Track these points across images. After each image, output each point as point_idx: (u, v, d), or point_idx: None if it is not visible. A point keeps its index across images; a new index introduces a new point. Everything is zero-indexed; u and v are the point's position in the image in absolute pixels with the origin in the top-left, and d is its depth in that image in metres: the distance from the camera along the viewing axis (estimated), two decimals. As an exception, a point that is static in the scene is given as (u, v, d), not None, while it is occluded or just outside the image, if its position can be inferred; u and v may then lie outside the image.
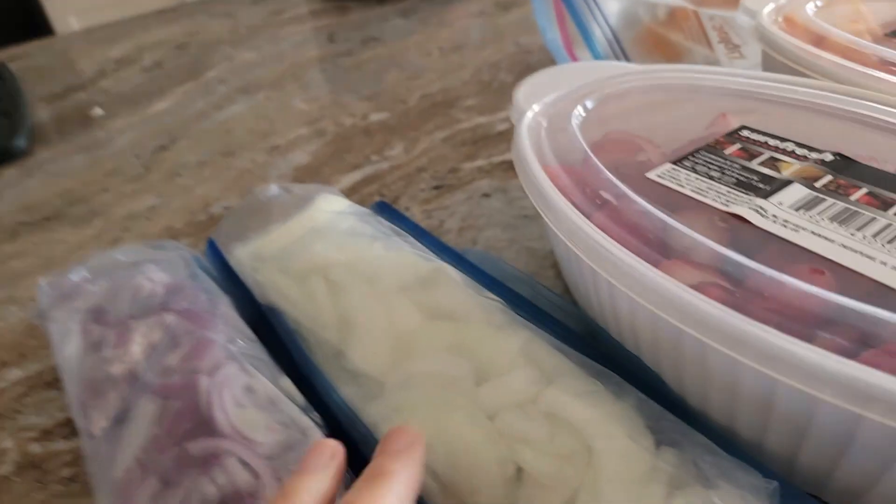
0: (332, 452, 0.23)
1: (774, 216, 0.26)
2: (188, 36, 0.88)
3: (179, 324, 0.30)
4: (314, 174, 0.54)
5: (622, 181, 0.28)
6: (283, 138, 0.60)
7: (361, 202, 0.42)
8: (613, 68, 0.40)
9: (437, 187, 0.51)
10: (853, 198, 0.26)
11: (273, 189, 0.41)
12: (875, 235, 0.24)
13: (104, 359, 0.29)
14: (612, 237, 0.25)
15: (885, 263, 0.23)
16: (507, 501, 0.24)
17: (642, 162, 0.32)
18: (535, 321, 0.31)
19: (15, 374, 0.37)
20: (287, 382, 0.28)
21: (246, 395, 0.26)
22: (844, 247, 0.24)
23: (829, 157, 0.29)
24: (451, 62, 0.73)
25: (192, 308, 0.31)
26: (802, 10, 0.43)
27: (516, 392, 0.27)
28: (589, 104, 0.36)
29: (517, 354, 0.28)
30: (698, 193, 0.28)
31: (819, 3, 0.45)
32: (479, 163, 0.53)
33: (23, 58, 0.84)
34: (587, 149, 0.31)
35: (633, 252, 0.25)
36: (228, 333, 0.30)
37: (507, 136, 0.57)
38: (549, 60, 0.64)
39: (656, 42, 0.60)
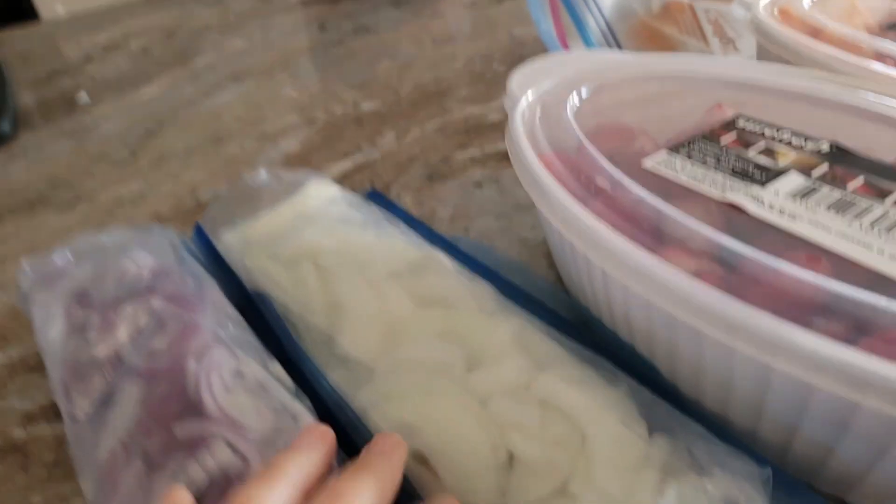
0: (322, 435, 0.23)
1: (771, 205, 0.26)
2: (176, 22, 0.87)
3: (166, 307, 0.29)
4: (304, 162, 0.54)
5: (617, 169, 0.28)
6: (272, 126, 0.60)
7: (352, 190, 0.41)
8: (608, 57, 0.40)
9: (428, 176, 0.50)
10: (850, 187, 0.26)
11: (262, 175, 0.41)
12: (872, 224, 0.24)
13: (88, 342, 0.28)
14: (606, 225, 0.25)
15: (882, 252, 0.23)
16: (499, 487, 0.24)
17: (637, 150, 0.31)
18: (527, 309, 0.30)
19: (-3, 358, 0.36)
20: (277, 367, 0.28)
21: (235, 379, 0.26)
22: (841, 235, 0.24)
23: (825, 147, 0.29)
24: (443, 53, 0.72)
25: (178, 292, 0.30)
26: (798, 2, 0.43)
27: (508, 378, 0.26)
28: (584, 93, 0.36)
29: (509, 341, 0.28)
30: (694, 181, 0.28)
31: (814, -3, 0.45)
32: (472, 153, 0.53)
33: (7, 43, 0.82)
34: (582, 136, 0.31)
35: (627, 240, 0.24)
36: (216, 317, 0.29)
37: (500, 126, 0.56)
38: (542, 52, 0.64)
39: (650, 35, 0.60)
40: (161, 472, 0.23)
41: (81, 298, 0.30)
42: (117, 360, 0.27)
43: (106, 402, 0.26)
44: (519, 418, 0.25)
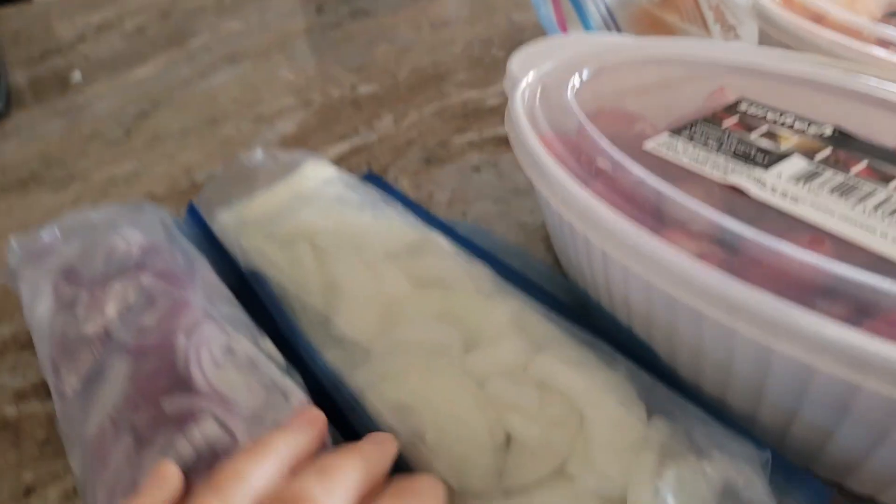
0: (313, 418, 0.23)
1: (773, 187, 0.25)
2: (171, 3, 0.85)
3: (156, 284, 0.29)
4: (301, 144, 0.53)
5: (618, 150, 0.28)
6: (268, 108, 0.59)
7: (349, 173, 0.41)
8: (609, 40, 0.40)
9: (426, 160, 0.50)
10: (853, 171, 0.26)
11: (259, 155, 0.40)
12: (875, 208, 0.24)
13: (77, 318, 0.28)
14: (606, 205, 0.25)
15: (885, 235, 0.22)
16: (496, 468, 0.23)
17: (638, 134, 0.31)
18: (525, 292, 0.30)
19: (-12, 336, 0.36)
20: (268, 344, 0.27)
21: (225, 355, 0.25)
22: (844, 218, 0.23)
23: (828, 131, 0.29)
24: (441, 37, 0.72)
25: (168, 268, 0.30)
26: (801, -12, 0.43)
27: (506, 360, 0.26)
28: (585, 75, 0.35)
29: (507, 323, 0.28)
30: (696, 164, 0.28)
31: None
32: (470, 137, 0.52)
33: (0, 21, 0.81)
34: (583, 118, 0.30)
35: (628, 220, 0.24)
36: (207, 294, 0.29)
37: (498, 111, 0.56)
38: (542, 37, 0.63)
39: (651, 22, 0.60)
40: (150, 447, 0.22)
41: (70, 275, 0.30)
42: (106, 337, 0.27)
43: (94, 378, 0.26)
44: (516, 399, 0.24)
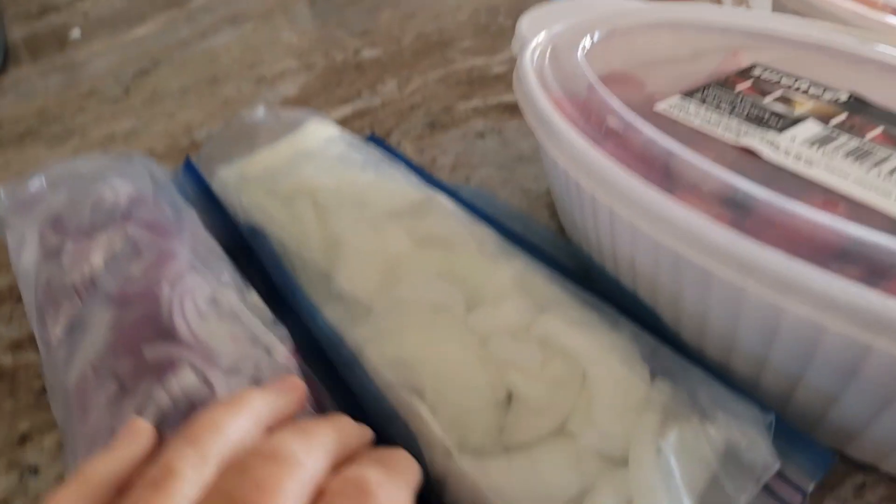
0: (295, 385, 0.22)
1: (787, 150, 0.25)
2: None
3: (142, 235, 0.28)
4: (303, 106, 0.52)
5: (629, 110, 0.27)
6: (270, 69, 0.58)
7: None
8: (621, 3, 0.39)
9: (430, 125, 0.49)
10: (868, 136, 0.25)
11: (260, 111, 0.39)
12: (891, 172, 0.23)
13: (62, 267, 0.27)
14: (615, 163, 0.24)
15: (899, 199, 0.22)
16: (497, 425, 0.23)
17: (648, 96, 0.30)
18: (528, 255, 0.30)
19: (-17, 287, 0.35)
20: (254, 297, 0.27)
21: (209, 306, 0.25)
22: (859, 182, 0.23)
23: (843, 97, 0.28)
24: (447, 4, 0.70)
25: (155, 219, 0.29)
26: (817, -44, 0.42)
27: (509, 319, 0.26)
28: (596, 37, 0.35)
29: (510, 283, 0.27)
30: (707, 125, 0.27)
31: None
32: (475, 103, 0.52)
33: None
34: (593, 78, 0.30)
35: (637, 178, 0.24)
36: (193, 246, 0.28)
37: (504, 78, 0.55)
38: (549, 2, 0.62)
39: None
40: (130, 396, 0.22)
41: (56, 224, 0.30)
42: (91, 286, 0.26)
43: (77, 326, 0.25)
44: (519, 357, 0.24)
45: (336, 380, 0.26)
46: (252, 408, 0.20)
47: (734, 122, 0.27)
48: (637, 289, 0.28)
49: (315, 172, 0.34)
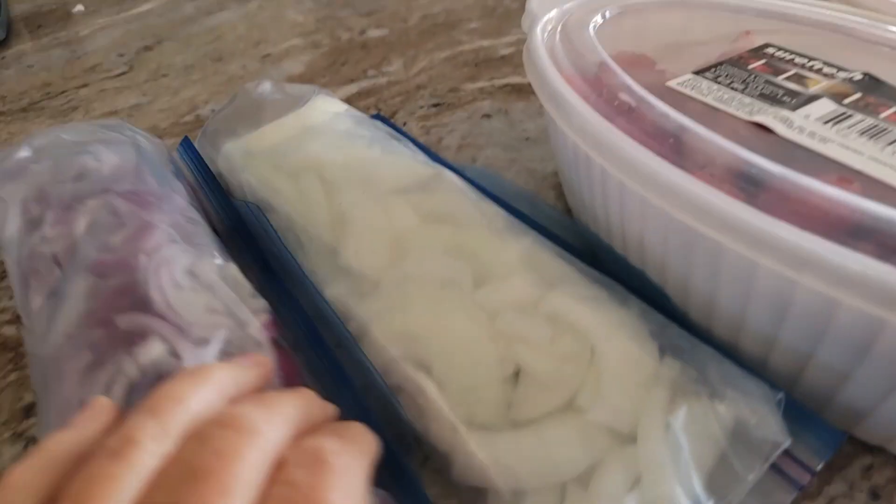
0: (261, 361, 0.22)
1: (801, 127, 0.25)
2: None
3: (124, 206, 0.28)
4: (308, 84, 0.52)
5: (641, 86, 0.27)
6: (275, 48, 0.58)
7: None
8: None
9: (436, 105, 0.49)
10: (882, 115, 0.25)
11: (266, 86, 0.39)
12: (906, 150, 0.23)
13: (44, 238, 0.27)
14: (626, 136, 0.24)
15: (915, 177, 0.22)
16: (505, 399, 0.23)
17: (660, 73, 0.30)
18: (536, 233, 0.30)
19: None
20: (234, 270, 0.27)
21: (186, 278, 0.25)
22: (874, 160, 0.23)
23: (857, 76, 0.28)
24: (454, -15, 0.70)
25: (137, 190, 0.29)
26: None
27: (517, 295, 0.26)
28: (607, 14, 0.34)
29: (518, 260, 0.27)
30: (720, 103, 0.27)
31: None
32: (481, 84, 0.51)
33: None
34: (605, 55, 0.29)
35: (648, 151, 0.23)
36: (174, 218, 0.28)
37: (510, 60, 0.55)
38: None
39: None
40: (102, 367, 0.22)
41: (39, 194, 0.29)
42: (70, 256, 0.26)
43: (56, 296, 0.25)
44: (527, 332, 0.24)
45: (332, 367, 0.26)
46: (215, 380, 0.19)
47: (747, 100, 0.27)
48: (645, 267, 0.28)
49: (322, 148, 0.34)
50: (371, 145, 0.35)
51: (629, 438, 0.22)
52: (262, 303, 0.26)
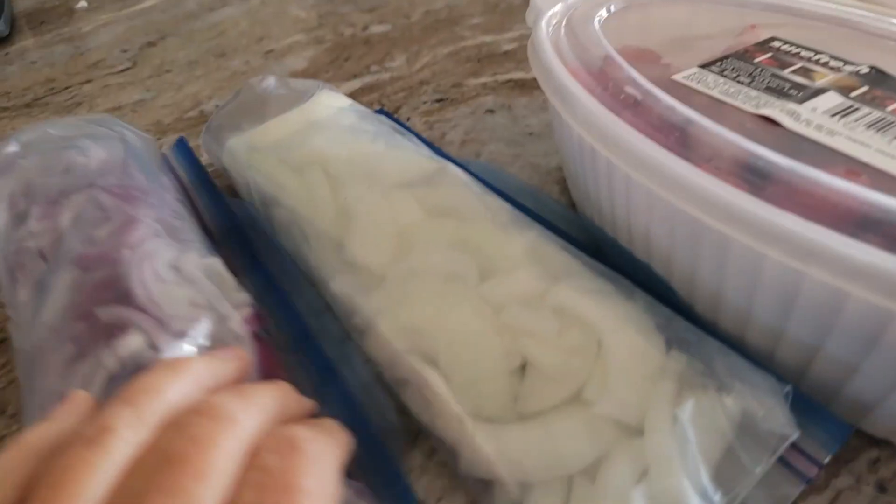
0: (239, 355, 0.22)
1: (808, 120, 0.25)
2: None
3: (109, 200, 0.28)
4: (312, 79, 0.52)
5: (647, 80, 0.27)
6: (278, 44, 0.58)
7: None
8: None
9: (439, 100, 0.49)
10: (889, 108, 0.25)
11: (270, 81, 0.39)
12: (914, 143, 0.23)
13: (30, 232, 0.27)
14: (632, 128, 0.24)
15: (923, 170, 0.22)
16: (511, 392, 0.23)
17: (665, 66, 0.30)
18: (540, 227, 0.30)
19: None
20: (217, 264, 0.27)
21: (170, 271, 0.25)
22: (882, 153, 0.23)
23: (864, 70, 0.28)
24: (457, -19, 0.70)
25: (123, 184, 0.29)
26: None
27: (523, 288, 0.26)
28: (612, 8, 0.34)
29: (523, 254, 0.27)
30: (726, 96, 0.27)
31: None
32: (484, 79, 0.51)
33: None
34: (610, 48, 0.29)
35: (655, 143, 0.23)
36: (160, 212, 0.28)
37: (513, 56, 0.54)
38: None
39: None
40: (83, 359, 0.22)
41: (26, 189, 0.29)
42: (56, 250, 0.26)
43: (40, 289, 0.25)
44: (533, 325, 0.24)
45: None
46: (192, 372, 0.20)
47: (753, 93, 0.27)
48: (651, 261, 0.28)
49: (326, 142, 0.34)
50: (375, 140, 0.34)
51: (636, 431, 0.22)
52: (245, 297, 0.26)
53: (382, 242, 0.29)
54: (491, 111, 0.47)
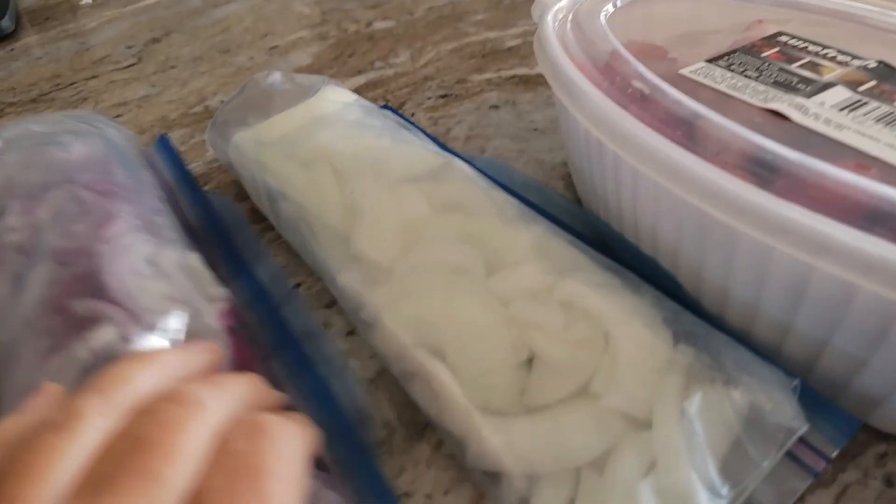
0: (210, 348, 0.22)
1: (816, 114, 0.25)
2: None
3: (88, 195, 0.28)
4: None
5: (653, 74, 0.27)
6: (282, 40, 0.58)
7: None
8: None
9: (443, 96, 0.49)
10: (898, 102, 0.25)
11: (276, 76, 0.39)
12: (922, 137, 0.23)
13: (10, 227, 0.27)
14: (640, 122, 0.24)
15: (932, 164, 0.22)
16: (518, 385, 0.23)
17: (672, 61, 0.30)
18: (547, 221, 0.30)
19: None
20: (194, 259, 0.27)
21: (146, 266, 0.25)
22: (891, 147, 0.23)
23: (872, 64, 0.28)
24: (460, -23, 0.70)
25: (104, 181, 0.29)
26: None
27: (530, 282, 0.26)
28: (618, 3, 0.34)
29: (530, 248, 0.27)
30: (734, 90, 0.27)
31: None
32: (488, 75, 0.51)
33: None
34: (616, 43, 0.29)
35: (662, 137, 0.23)
36: (139, 208, 0.28)
37: (517, 51, 0.54)
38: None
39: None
40: (57, 353, 0.22)
41: (7, 184, 0.29)
42: (34, 245, 0.26)
43: (17, 283, 0.25)
44: (541, 319, 0.24)
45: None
46: (162, 363, 0.20)
47: (761, 87, 0.27)
48: (658, 255, 0.28)
49: (332, 137, 0.34)
50: (381, 135, 0.34)
51: (644, 424, 0.21)
52: (221, 292, 0.26)
53: (389, 237, 0.29)
54: (495, 107, 0.47)
